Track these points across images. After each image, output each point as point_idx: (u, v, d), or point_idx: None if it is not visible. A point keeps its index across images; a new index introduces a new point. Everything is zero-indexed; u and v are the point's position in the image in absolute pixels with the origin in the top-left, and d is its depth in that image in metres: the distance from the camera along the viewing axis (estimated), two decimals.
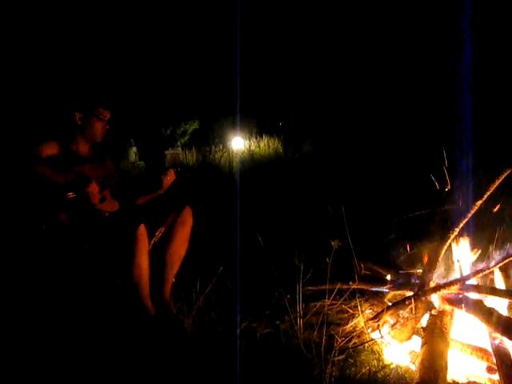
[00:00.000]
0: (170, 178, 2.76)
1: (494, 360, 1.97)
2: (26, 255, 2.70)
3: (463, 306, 2.23)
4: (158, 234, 2.70)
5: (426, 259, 2.63)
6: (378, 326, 2.30)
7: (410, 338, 2.24)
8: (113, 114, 2.78)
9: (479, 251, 2.59)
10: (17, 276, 2.80)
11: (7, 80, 6.84)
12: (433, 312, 2.28)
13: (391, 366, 2.13)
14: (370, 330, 2.35)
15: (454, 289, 2.29)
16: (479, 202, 2.41)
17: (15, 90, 6.89)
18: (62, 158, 2.61)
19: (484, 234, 2.78)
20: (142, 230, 2.47)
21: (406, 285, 2.61)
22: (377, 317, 2.34)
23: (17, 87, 6.93)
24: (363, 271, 2.90)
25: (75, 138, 2.71)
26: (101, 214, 2.57)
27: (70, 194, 2.47)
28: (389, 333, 2.29)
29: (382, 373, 2.09)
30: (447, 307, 2.29)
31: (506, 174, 2.39)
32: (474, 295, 2.30)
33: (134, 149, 10.06)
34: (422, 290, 2.38)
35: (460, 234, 2.49)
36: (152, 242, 2.65)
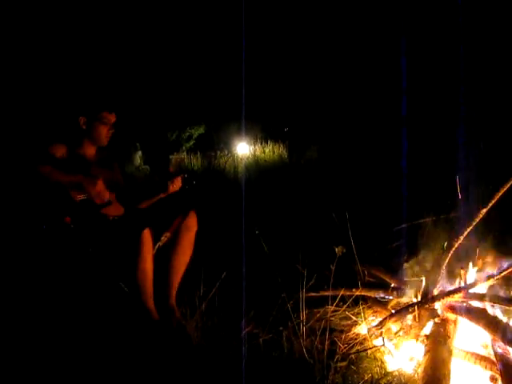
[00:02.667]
0: (176, 185, 2.77)
1: (498, 369, 1.96)
2: (25, 255, 2.71)
3: (467, 314, 2.22)
4: (164, 238, 2.71)
5: (429, 267, 2.63)
6: (381, 333, 2.29)
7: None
8: (118, 118, 2.79)
9: (483, 259, 2.58)
10: (17, 276, 2.81)
11: (13, 83, 6.88)
12: (436, 320, 2.27)
13: (394, 374, 2.11)
14: (372, 337, 2.34)
15: (458, 297, 2.29)
16: (484, 210, 2.40)
17: (21, 93, 6.93)
18: (69, 161, 2.62)
19: (488, 241, 2.77)
20: (147, 234, 2.48)
21: (409, 292, 2.60)
22: (380, 324, 2.34)
23: (23, 90, 6.97)
24: (367, 278, 2.90)
25: (81, 142, 2.72)
26: (106, 218, 2.58)
27: (79, 196, 2.48)
28: (392, 340, 2.28)
29: (384, 380, 2.08)
30: (451, 315, 2.29)
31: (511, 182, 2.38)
32: (477, 303, 2.29)
33: (140, 153, 10.09)
34: (425, 297, 2.37)
35: (464, 242, 2.49)
36: (157, 247, 2.66)
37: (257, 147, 10.97)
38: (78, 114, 2.67)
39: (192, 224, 2.74)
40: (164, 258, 2.68)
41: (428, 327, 2.28)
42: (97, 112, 2.68)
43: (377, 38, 10.26)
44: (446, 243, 2.57)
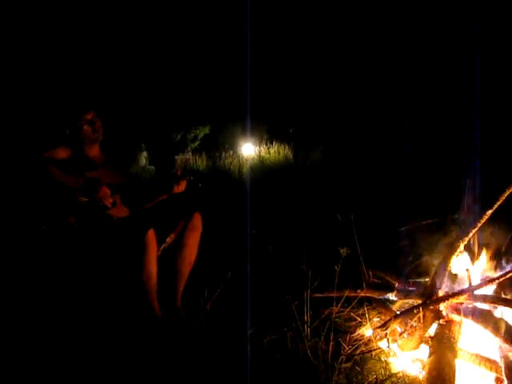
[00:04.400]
0: (180, 187, 2.78)
1: (503, 371, 1.96)
2: (26, 255, 2.72)
3: (472, 315, 2.22)
4: (169, 240, 2.71)
5: (434, 268, 2.62)
6: (386, 334, 2.29)
7: (417, 346, 2.23)
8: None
9: (489, 260, 2.57)
10: (16, 276, 2.83)
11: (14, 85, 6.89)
12: (441, 321, 2.27)
13: (398, 375, 2.11)
14: (377, 339, 2.34)
15: (463, 298, 2.28)
16: (489, 212, 2.39)
17: (19, 97, 6.94)
18: (75, 163, 2.64)
19: (494, 243, 2.76)
20: (151, 235, 2.48)
21: (414, 293, 2.60)
22: (384, 325, 2.33)
23: (20, 94, 6.97)
24: (371, 279, 2.90)
25: (81, 144, 2.73)
26: (110, 219, 2.59)
27: (83, 198, 2.49)
28: (396, 341, 2.28)
29: (388, 381, 2.07)
30: (456, 317, 2.28)
31: None
32: (483, 305, 2.29)
33: (145, 153, 10.12)
34: (430, 298, 2.37)
35: (469, 243, 2.48)
36: (162, 248, 2.67)
37: (262, 148, 10.97)
38: (61, 127, 2.71)
39: (197, 225, 2.74)
40: (169, 259, 2.68)
41: (433, 329, 2.28)
42: (74, 119, 2.71)
43: (382, 41, 10.25)
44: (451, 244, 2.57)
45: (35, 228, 2.57)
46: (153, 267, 2.49)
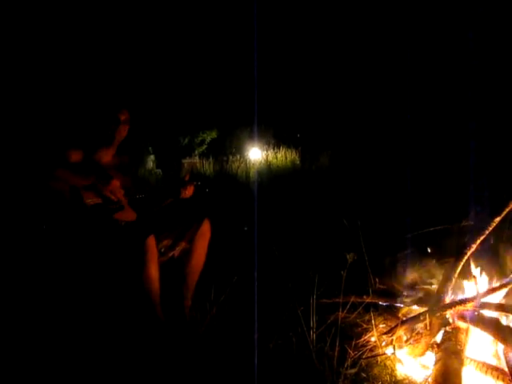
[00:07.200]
0: (188, 192, 2.78)
1: (510, 380, 1.94)
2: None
3: (478, 323, 2.21)
4: (178, 248, 2.73)
5: (441, 275, 2.61)
6: (392, 340, 2.28)
7: (423, 353, 2.23)
8: (132, 122, 2.81)
9: (496, 268, 2.56)
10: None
11: (29, 88, 6.94)
12: (447, 328, 2.26)
13: (404, 382, 2.10)
14: (383, 345, 2.33)
15: (470, 306, 2.27)
16: (497, 219, 2.38)
17: (37, 99, 6.99)
18: (86, 166, 2.64)
19: (501, 250, 2.75)
20: (151, 241, 2.48)
21: (420, 300, 2.59)
22: (391, 331, 2.32)
23: (39, 96, 7.03)
24: (378, 285, 2.89)
25: (99, 147, 2.73)
26: (118, 223, 2.59)
27: (90, 201, 2.50)
28: (402, 348, 2.27)
29: None
30: (462, 324, 2.27)
31: None
32: (489, 313, 2.27)
33: (152, 157, 10.16)
34: (437, 305, 2.36)
35: (477, 251, 2.47)
36: (171, 255, 2.68)
37: (269, 152, 10.98)
38: (106, 121, 2.69)
39: (206, 232, 2.75)
40: (178, 265, 2.69)
41: (439, 336, 2.27)
42: (112, 118, 2.69)
43: (390, 48, 10.26)
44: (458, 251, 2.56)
45: (35, 228, 2.58)
46: (154, 272, 2.48)
